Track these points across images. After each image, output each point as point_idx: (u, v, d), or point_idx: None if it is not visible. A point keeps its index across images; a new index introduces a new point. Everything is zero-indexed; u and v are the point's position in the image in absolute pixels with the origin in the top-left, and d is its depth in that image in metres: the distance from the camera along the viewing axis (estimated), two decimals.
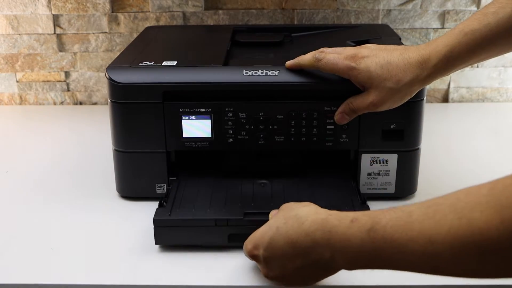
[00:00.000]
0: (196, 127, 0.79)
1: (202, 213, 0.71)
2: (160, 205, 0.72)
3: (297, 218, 0.58)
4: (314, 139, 0.78)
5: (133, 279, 0.66)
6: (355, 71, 0.71)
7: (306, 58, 0.75)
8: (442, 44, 0.69)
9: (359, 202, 0.74)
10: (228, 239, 0.70)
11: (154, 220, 0.69)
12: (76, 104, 1.27)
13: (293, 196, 0.75)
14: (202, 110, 0.78)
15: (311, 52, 0.75)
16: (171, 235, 0.70)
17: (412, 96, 0.73)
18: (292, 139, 0.79)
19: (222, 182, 0.79)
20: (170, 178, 0.81)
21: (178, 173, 0.81)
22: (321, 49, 0.75)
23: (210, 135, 0.79)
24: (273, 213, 0.66)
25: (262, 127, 0.78)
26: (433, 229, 0.45)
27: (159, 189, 0.81)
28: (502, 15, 0.66)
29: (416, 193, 0.83)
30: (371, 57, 0.71)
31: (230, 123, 0.78)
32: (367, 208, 0.72)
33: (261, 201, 0.75)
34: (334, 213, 0.56)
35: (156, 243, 0.69)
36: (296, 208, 0.60)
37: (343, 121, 0.76)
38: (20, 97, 1.27)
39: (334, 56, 0.73)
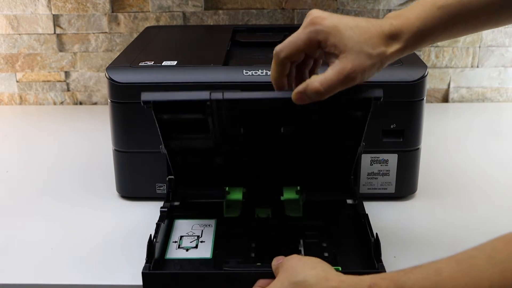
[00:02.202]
0: None
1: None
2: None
3: (304, 286, 0.51)
4: None
5: (133, 279, 0.66)
6: (323, 33, 0.57)
7: (273, 70, 0.63)
8: (414, 17, 0.59)
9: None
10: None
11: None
12: (76, 104, 1.27)
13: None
14: None
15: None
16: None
17: (379, 71, 0.60)
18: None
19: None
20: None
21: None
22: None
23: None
24: (275, 263, 0.59)
25: None
26: (470, 287, 0.40)
27: (159, 189, 0.81)
28: None
29: (416, 193, 0.83)
30: (334, 18, 0.58)
31: None
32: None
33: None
34: (347, 279, 0.50)
35: None
36: (302, 272, 0.53)
37: (302, 102, 0.60)
38: (20, 97, 1.27)
39: (290, 36, 0.60)
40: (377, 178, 0.81)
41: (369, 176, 0.81)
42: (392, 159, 0.80)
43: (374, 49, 0.57)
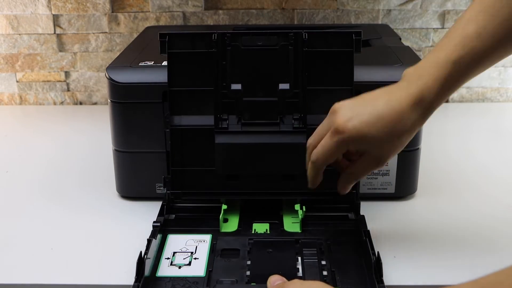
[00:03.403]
0: None
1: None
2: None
3: None
4: None
5: (133, 279, 0.65)
6: (349, 142, 0.61)
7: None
8: (432, 79, 0.60)
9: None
10: None
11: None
12: (76, 104, 1.27)
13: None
14: None
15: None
16: None
17: (412, 137, 0.64)
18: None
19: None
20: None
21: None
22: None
23: None
24: (271, 285, 0.57)
25: None
26: None
27: (159, 189, 0.81)
28: (485, 36, 0.59)
29: (416, 193, 0.83)
30: (356, 117, 0.60)
31: None
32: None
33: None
34: None
35: None
36: None
37: (347, 191, 0.68)
38: (20, 97, 1.27)
39: (321, 145, 0.63)
40: (377, 178, 0.81)
41: (369, 176, 0.81)
42: (392, 159, 0.80)
43: (399, 138, 0.61)
